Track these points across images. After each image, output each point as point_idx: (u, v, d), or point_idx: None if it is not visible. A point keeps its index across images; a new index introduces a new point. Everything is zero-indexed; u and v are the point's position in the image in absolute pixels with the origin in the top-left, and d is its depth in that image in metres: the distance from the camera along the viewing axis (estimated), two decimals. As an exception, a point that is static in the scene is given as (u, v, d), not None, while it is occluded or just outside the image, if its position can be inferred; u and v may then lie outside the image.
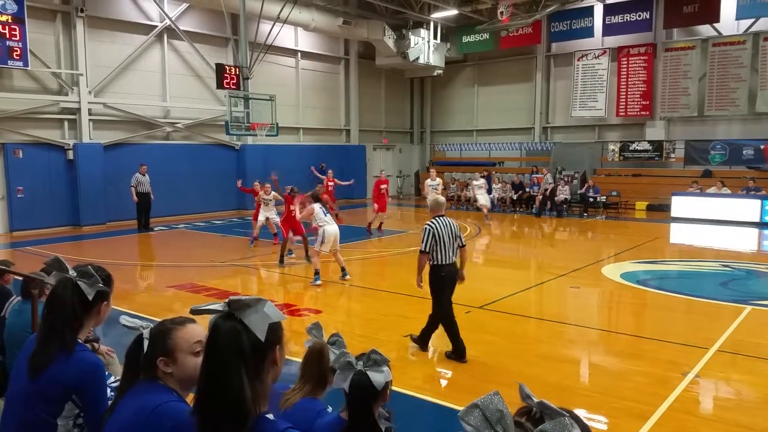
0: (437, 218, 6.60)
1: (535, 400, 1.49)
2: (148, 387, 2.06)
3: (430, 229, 6.46)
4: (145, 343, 2.11)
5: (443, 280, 6.52)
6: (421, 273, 6.70)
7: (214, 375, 1.66)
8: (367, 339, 6.93)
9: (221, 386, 1.64)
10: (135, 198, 16.59)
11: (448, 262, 6.52)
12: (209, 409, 1.66)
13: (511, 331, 7.69)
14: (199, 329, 2.14)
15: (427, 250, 6.47)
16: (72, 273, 2.52)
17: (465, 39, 25.81)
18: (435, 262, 6.52)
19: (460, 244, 6.66)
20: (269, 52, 19.58)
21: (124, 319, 2.17)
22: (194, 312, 1.76)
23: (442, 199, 6.94)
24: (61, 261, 2.63)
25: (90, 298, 2.48)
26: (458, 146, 28.20)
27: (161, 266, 12.03)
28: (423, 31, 24.07)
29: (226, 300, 1.68)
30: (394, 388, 2.51)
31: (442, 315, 6.55)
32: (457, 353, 6.41)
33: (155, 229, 17.02)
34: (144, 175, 16.73)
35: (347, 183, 18.54)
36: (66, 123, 17.15)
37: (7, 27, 14.89)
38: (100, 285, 2.52)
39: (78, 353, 2.41)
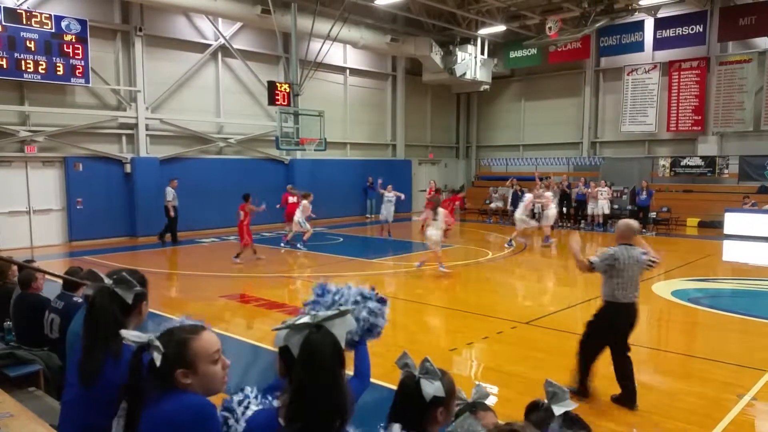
0: (624, 246, 5.60)
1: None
2: (170, 394, 1.99)
3: (612, 254, 5.53)
4: (156, 355, 1.98)
5: (615, 323, 5.63)
6: (579, 255, 5.79)
7: (324, 387, 1.71)
8: (409, 352, 6.99)
9: (330, 395, 1.71)
10: (172, 213, 16.61)
11: (626, 300, 5.60)
12: (312, 419, 1.71)
13: (559, 347, 7.61)
14: (214, 336, 2.11)
15: (595, 270, 5.62)
16: (107, 281, 2.56)
17: (512, 54, 25.75)
18: (610, 299, 5.63)
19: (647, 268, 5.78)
20: (319, 69, 20.00)
21: (127, 333, 2.04)
22: (286, 327, 1.83)
23: (635, 223, 5.90)
24: (95, 273, 2.71)
25: (129, 302, 2.54)
26: (504, 161, 28.07)
27: (212, 276, 12.34)
28: (470, 47, 24.08)
29: (311, 314, 1.77)
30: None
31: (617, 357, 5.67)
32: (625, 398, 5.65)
33: (204, 241, 17.49)
34: (174, 189, 16.71)
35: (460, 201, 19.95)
36: (124, 138, 17.82)
37: (71, 46, 15.67)
38: (137, 287, 2.57)
39: (126, 354, 2.38)
